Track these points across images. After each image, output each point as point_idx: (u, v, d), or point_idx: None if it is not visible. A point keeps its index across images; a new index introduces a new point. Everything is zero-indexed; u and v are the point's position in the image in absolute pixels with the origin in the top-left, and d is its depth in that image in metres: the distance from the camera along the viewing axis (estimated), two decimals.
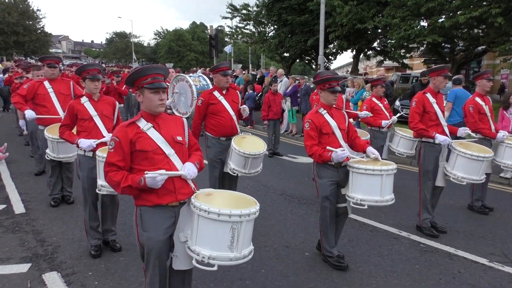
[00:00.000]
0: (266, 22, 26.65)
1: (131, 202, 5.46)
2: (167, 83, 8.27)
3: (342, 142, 4.11)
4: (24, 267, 4.03)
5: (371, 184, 3.80)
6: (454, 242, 4.91)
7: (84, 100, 4.31)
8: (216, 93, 5.02)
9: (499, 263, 4.38)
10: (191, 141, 2.98)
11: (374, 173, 3.77)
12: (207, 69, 22.13)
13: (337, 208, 4.19)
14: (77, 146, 4.21)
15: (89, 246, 4.37)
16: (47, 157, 5.37)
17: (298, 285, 3.85)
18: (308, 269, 4.17)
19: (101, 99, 4.41)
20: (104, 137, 4.25)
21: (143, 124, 2.75)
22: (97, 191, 4.01)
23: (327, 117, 4.09)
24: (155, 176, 2.56)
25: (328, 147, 3.94)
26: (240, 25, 28.52)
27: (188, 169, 2.74)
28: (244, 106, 5.22)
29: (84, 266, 4.09)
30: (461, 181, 4.95)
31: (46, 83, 5.75)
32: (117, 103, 4.56)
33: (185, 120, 3.02)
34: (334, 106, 4.20)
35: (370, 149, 4.09)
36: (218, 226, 2.46)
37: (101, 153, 3.89)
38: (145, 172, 2.58)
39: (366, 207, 3.86)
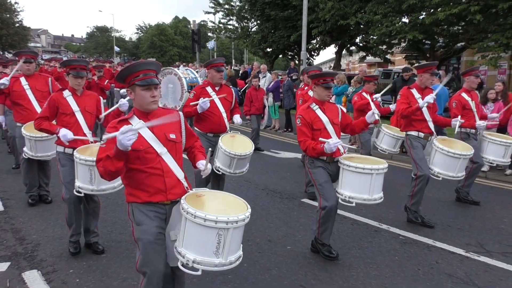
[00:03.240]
0: (249, 17, 26.54)
1: (112, 198, 5.44)
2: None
3: (334, 137, 4.11)
4: (3, 266, 3.96)
5: (360, 182, 3.82)
6: (432, 233, 5.03)
7: (67, 94, 4.21)
8: (208, 89, 4.96)
9: (475, 253, 4.51)
10: (188, 132, 2.95)
11: (364, 171, 3.78)
12: (189, 64, 22.00)
13: None
14: (55, 134, 4.13)
15: (68, 243, 4.25)
16: (25, 155, 5.27)
17: (280, 278, 3.89)
18: (290, 262, 4.22)
19: (84, 94, 4.32)
20: (84, 134, 4.17)
21: (135, 122, 2.65)
22: (75, 192, 3.92)
23: (319, 112, 4.10)
24: (124, 131, 2.38)
25: (320, 138, 3.92)
26: (223, 20, 28.39)
27: (203, 164, 2.85)
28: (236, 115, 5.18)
29: (65, 263, 4.05)
30: (437, 176, 5.08)
31: (23, 80, 5.56)
32: (101, 98, 4.48)
33: (181, 114, 2.94)
34: (327, 101, 4.21)
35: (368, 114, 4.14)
36: (204, 231, 2.41)
37: (79, 155, 3.81)
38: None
39: (354, 204, 3.88)
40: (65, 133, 4.05)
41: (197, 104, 4.81)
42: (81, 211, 4.26)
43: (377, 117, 4.09)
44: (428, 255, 4.47)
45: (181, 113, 2.95)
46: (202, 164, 2.89)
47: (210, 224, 2.39)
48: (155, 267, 2.63)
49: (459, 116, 5.58)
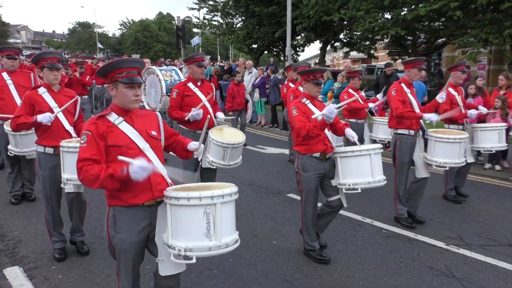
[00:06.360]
0: (233, 13, 26.43)
1: (96, 195, 5.38)
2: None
3: (326, 131, 4.11)
4: None
5: (361, 165, 3.82)
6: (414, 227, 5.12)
7: (42, 91, 4.02)
8: (190, 85, 4.88)
9: (455, 246, 4.61)
10: (168, 131, 2.87)
11: (362, 153, 3.80)
12: (175, 60, 21.79)
13: (331, 201, 4.13)
14: (35, 124, 3.89)
15: (52, 250, 4.13)
16: (10, 153, 5.16)
17: (266, 273, 3.92)
18: (275, 257, 4.26)
19: (61, 91, 4.13)
20: (67, 131, 3.99)
21: (114, 118, 2.57)
22: (61, 185, 3.79)
23: (311, 106, 4.11)
24: (141, 165, 2.34)
25: (313, 116, 3.89)
26: (207, 16, 28.19)
27: (195, 144, 2.84)
28: (219, 113, 5.08)
29: (47, 260, 4.01)
30: (443, 167, 5.07)
31: (5, 75, 5.46)
32: (78, 97, 4.30)
33: (159, 115, 2.88)
34: (317, 98, 4.24)
35: (349, 131, 4.05)
36: (190, 212, 2.31)
37: (66, 143, 3.65)
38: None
39: (359, 190, 3.84)
40: (44, 116, 3.84)
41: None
42: (61, 219, 4.13)
43: (356, 140, 4.00)
44: (410, 248, 4.56)
45: (158, 113, 2.89)
46: (194, 144, 2.85)
47: (195, 202, 2.30)
48: (130, 274, 2.64)
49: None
